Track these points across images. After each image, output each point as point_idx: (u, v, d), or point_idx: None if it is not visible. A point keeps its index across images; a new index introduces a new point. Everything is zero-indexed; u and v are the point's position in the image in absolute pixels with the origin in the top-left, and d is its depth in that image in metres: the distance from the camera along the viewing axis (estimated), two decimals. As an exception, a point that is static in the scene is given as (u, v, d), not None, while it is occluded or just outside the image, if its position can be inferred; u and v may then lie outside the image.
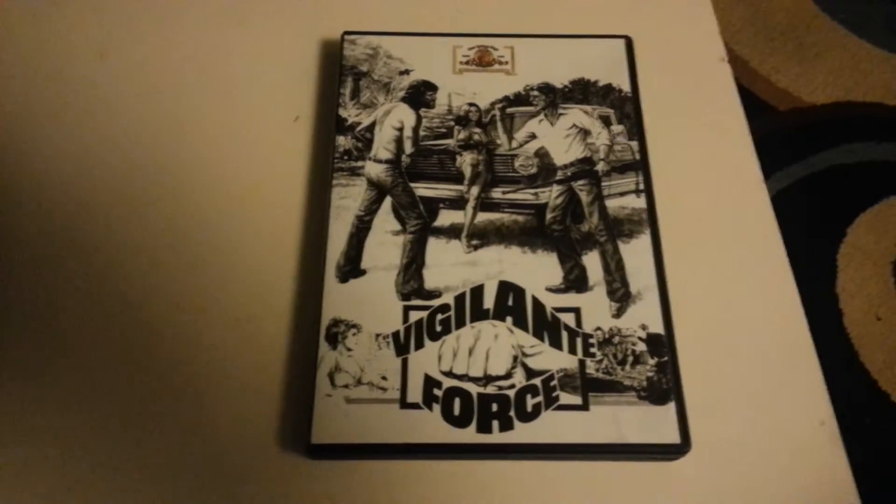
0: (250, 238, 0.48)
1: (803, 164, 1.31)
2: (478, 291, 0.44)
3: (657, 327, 0.43)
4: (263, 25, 0.55)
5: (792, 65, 1.41)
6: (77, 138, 0.50)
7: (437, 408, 0.41)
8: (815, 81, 1.39)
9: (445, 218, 0.47)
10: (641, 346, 0.43)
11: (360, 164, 0.48)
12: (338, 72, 0.51)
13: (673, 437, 0.41)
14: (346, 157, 0.48)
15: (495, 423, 0.41)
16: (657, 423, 0.41)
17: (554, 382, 0.42)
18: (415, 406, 0.41)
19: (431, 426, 0.41)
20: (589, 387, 0.42)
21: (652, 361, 0.42)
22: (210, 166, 0.50)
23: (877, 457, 1.10)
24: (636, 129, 0.50)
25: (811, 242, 1.25)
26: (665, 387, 0.42)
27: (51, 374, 0.43)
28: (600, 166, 0.48)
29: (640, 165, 0.48)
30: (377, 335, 0.43)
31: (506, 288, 0.44)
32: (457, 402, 0.41)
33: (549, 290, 0.45)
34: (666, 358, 0.42)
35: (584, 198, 0.47)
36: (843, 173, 1.31)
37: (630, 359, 0.43)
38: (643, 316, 0.44)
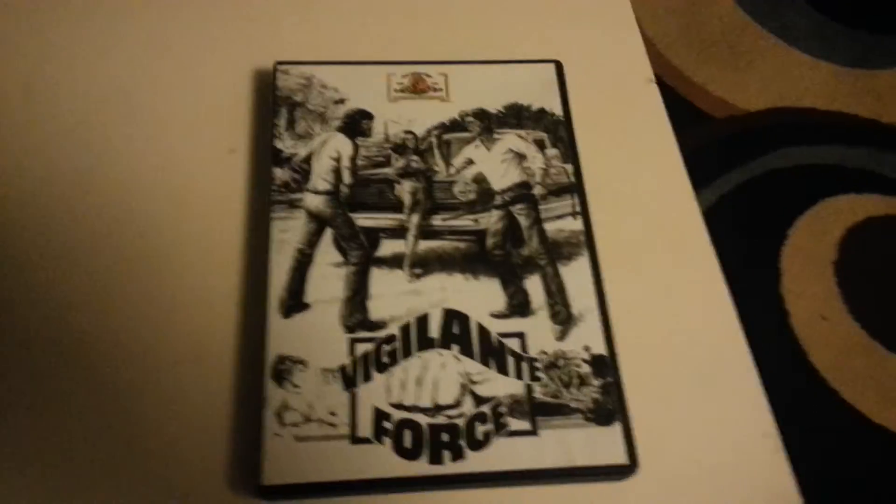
0: (190, 276, 0.47)
1: (742, 170, 1.34)
2: (423, 320, 0.44)
3: (600, 348, 0.44)
4: (194, 55, 0.55)
5: (726, 73, 1.44)
6: (2, 177, 0.49)
7: (387, 441, 0.41)
8: (750, 89, 1.43)
9: (387, 247, 0.47)
10: (586, 368, 0.43)
11: (298, 196, 0.48)
12: (272, 102, 0.51)
13: (621, 458, 0.41)
14: (284, 190, 0.48)
15: (446, 454, 0.41)
16: (605, 445, 0.41)
17: (502, 408, 0.42)
18: (365, 441, 0.41)
19: (383, 460, 0.40)
20: (537, 411, 0.42)
21: (597, 383, 0.43)
22: (144, 202, 0.49)
23: (826, 454, 1.13)
24: (570, 152, 0.50)
25: (754, 245, 1.28)
26: (611, 407, 0.42)
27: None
28: (537, 190, 0.49)
29: (576, 188, 0.49)
30: (324, 370, 0.43)
31: (450, 316, 0.45)
32: (407, 435, 0.41)
33: (494, 315, 0.45)
34: (610, 378, 0.43)
35: (523, 222, 0.48)
36: (781, 177, 1.35)
37: (575, 381, 0.43)
38: (586, 337, 0.44)
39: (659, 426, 0.43)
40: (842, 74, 1.46)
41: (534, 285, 0.46)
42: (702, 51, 1.46)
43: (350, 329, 0.44)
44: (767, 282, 1.25)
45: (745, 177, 1.34)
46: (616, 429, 0.42)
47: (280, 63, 0.52)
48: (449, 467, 0.40)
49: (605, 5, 0.57)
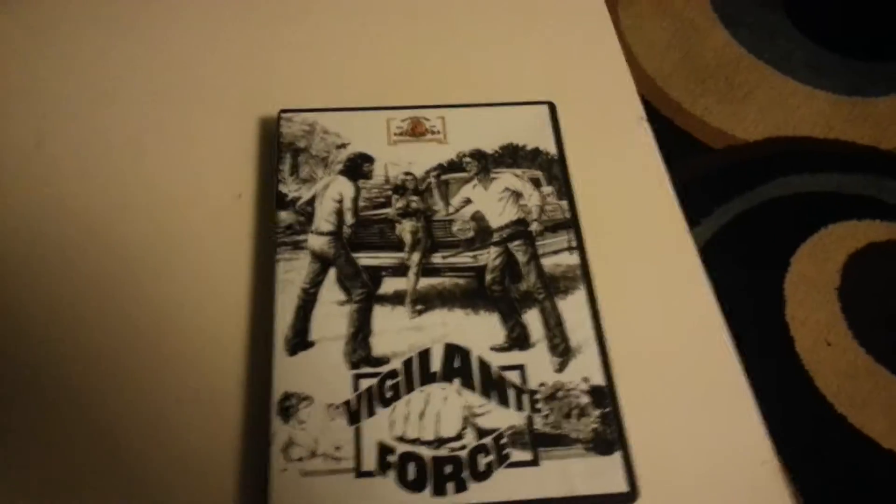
0: (198, 316, 0.48)
1: (742, 199, 1.36)
2: (425, 355, 0.46)
3: (598, 379, 0.45)
4: (200, 105, 0.57)
5: (724, 105, 1.47)
6: (14, 228, 0.51)
7: (391, 474, 0.42)
8: (747, 119, 1.45)
9: (389, 285, 0.48)
10: (585, 399, 0.44)
11: (302, 237, 0.49)
12: (276, 149, 0.53)
13: (621, 486, 0.42)
14: (288, 232, 0.49)
15: (450, 486, 0.42)
16: (605, 474, 0.42)
17: (504, 440, 0.43)
18: (370, 474, 0.42)
19: (388, 493, 0.41)
20: (538, 442, 0.43)
21: (596, 413, 0.44)
22: (154, 247, 0.50)
23: (834, 479, 1.12)
24: (565, 189, 0.52)
25: (757, 273, 1.29)
26: (610, 437, 0.43)
27: None
28: (534, 226, 0.50)
29: (571, 223, 0.51)
30: (329, 405, 0.44)
31: (452, 350, 0.46)
32: (411, 467, 0.42)
33: (494, 349, 0.46)
34: (609, 409, 0.44)
35: (521, 257, 0.49)
36: (782, 205, 1.36)
37: (575, 412, 0.44)
38: (584, 369, 0.45)
39: (658, 455, 0.44)
40: (838, 103, 1.48)
41: (532, 319, 0.47)
42: (699, 83, 1.49)
43: (354, 365, 0.45)
44: (772, 309, 1.26)
45: (746, 206, 1.35)
46: (616, 458, 0.42)
47: (284, 111, 0.54)
48: (452, 499, 0.41)
49: (596, 47, 0.59)
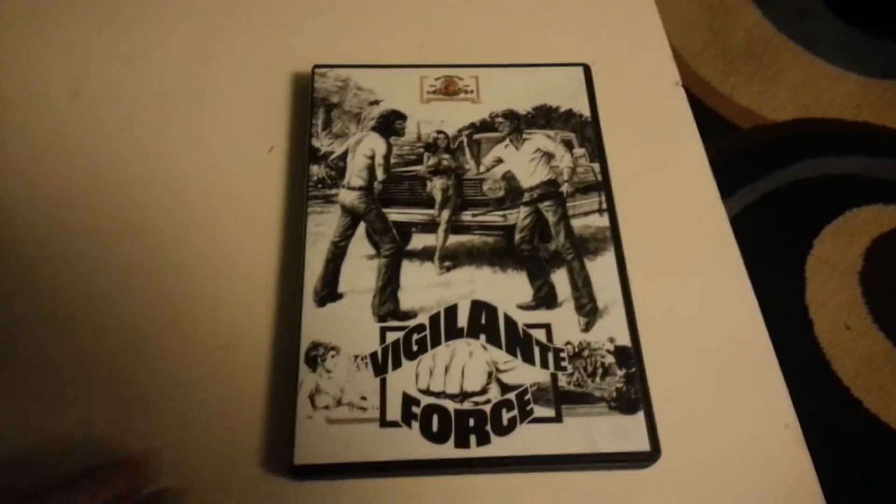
0: (228, 266, 0.49)
1: (768, 180, 1.34)
2: (452, 311, 0.46)
3: (624, 340, 0.45)
4: (236, 61, 0.57)
5: (752, 84, 1.45)
6: (52, 176, 0.51)
7: (415, 425, 0.42)
8: (776, 99, 1.43)
9: (418, 241, 0.48)
10: (610, 359, 0.45)
11: (333, 191, 0.50)
12: (309, 103, 0.53)
13: (643, 445, 0.42)
14: (320, 186, 0.50)
15: (473, 438, 0.42)
16: (628, 432, 0.42)
17: (528, 396, 0.43)
18: (394, 424, 0.42)
19: (411, 443, 0.42)
20: (561, 399, 0.43)
21: (620, 373, 0.44)
22: (187, 199, 0.51)
23: (851, 463, 1.12)
24: (597, 152, 0.52)
25: (779, 254, 1.28)
26: (634, 397, 0.43)
27: (28, 399, 0.44)
28: (564, 188, 0.50)
29: (602, 186, 0.51)
30: (355, 356, 0.44)
31: (478, 307, 0.46)
32: (435, 419, 0.43)
33: (520, 307, 0.46)
34: (634, 369, 0.44)
35: (551, 218, 0.49)
36: (807, 187, 1.35)
37: (599, 371, 0.44)
38: (610, 329, 0.45)
39: (681, 416, 0.44)
40: (868, 85, 1.46)
41: (560, 279, 0.47)
42: (728, 62, 1.47)
43: (381, 318, 0.46)
44: (792, 291, 1.25)
45: (771, 186, 1.34)
46: (639, 417, 0.43)
47: (317, 66, 0.54)
48: (475, 451, 0.42)
49: (633, 11, 0.58)
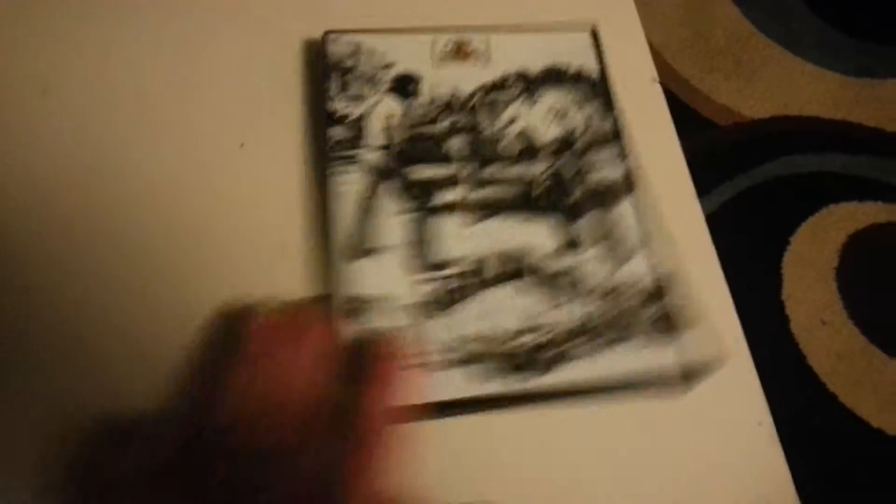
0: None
1: (745, 177, 1.35)
2: (481, 261, 0.47)
3: (648, 281, 0.47)
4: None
5: (731, 82, 1.46)
6: (28, 173, 0.50)
7: (458, 370, 0.43)
8: (754, 97, 1.44)
9: (441, 197, 0.49)
10: (638, 299, 0.46)
11: (353, 152, 0.49)
12: (322, 69, 0.52)
13: (674, 371, 0.44)
14: (339, 147, 0.50)
15: (514, 378, 0.43)
16: (661, 360, 0.44)
17: (564, 337, 0.45)
18: (433, 369, 0.43)
19: (451, 386, 0.43)
20: (595, 337, 0.45)
21: (651, 309, 0.46)
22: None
23: (826, 458, 1.14)
24: (608, 107, 0.53)
25: (756, 251, 1.29)
26: (668, 328, 0.45)
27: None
28: (579, 143, 0.51)
29: (617, 136, 0.52)
30: (392, 308, 0.45)
31: (508, 256, 0.47)
32: (475, 364, 0.44)
33: (547, 256, 0.47)
34: (666, 300, 0.46)
35: (568, 172, 0.50)
36: (784, 184, 1.36)
37: (630, 309, 0.46)
38: (635, 271, 0.47)
39: (652, 414, 0.44)
40: (846, 84, 1.47)
41: (584, 227, 0.48)
42: (707, 60, 1.48)
43: (415, 271, 0.46)
44: (769, 287, 1.26)
45: (748, 183, 1.35)
46: (670, 348, 0.45)
47: (329, 32, 0.54)
48: (517, 388, 0.43)
49: (610, 7, 0.58)
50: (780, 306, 1.24)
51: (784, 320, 1.23)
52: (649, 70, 0.55)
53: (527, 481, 0.44)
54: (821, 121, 1.43)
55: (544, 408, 0.44)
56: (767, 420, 0.45)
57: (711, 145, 1.39)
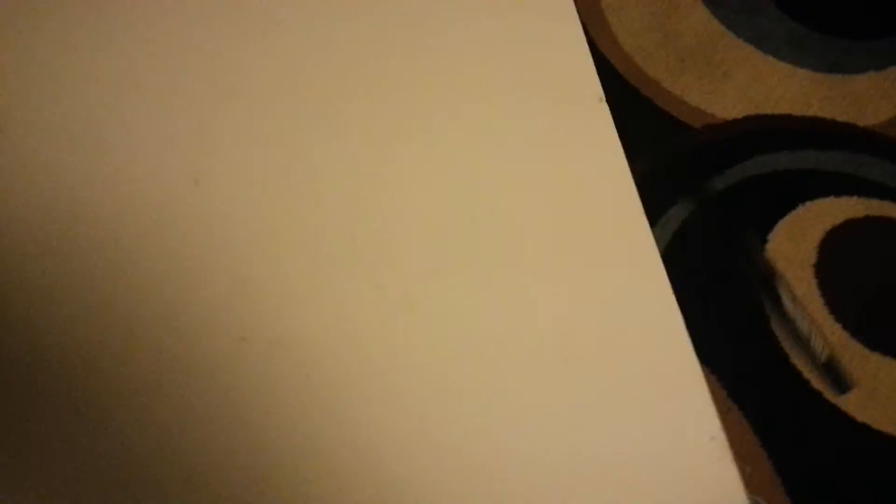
0: None
1: (720, 177, 1.36)
2: None
3: None
4: None
5: (703, 83, 1.47)
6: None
7: None
8: (726, 98, 1.45)
9: None
10: None
11: None
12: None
13: None
14: None
15: None
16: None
17: None
18: None
19: None
20: None
21: None
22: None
23: (813, 454, 1.14)
24: None
25: (734, 251, 1.30)
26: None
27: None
28: None
29: None
30: None
31: None
32: None
33: None
34: None
35: None
36: (759, 183, 1.37)
37: None
38: None
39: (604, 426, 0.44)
40: (817, 80, 1.48)
41: None
42: (678, 62, 1.49)
43: None
44: (748, 287, 1.27)
45: (724, 184, 1.36)
46: None
47: None
48: None
49: (552, 22, 0.58)
50: (760, 304, 1.24)
51: (764, 318, 1.23)
52: (595, 89, 0.56)
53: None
54: (793, 118, 1.43)
55: None
56: (720, 434, 0.45)
57: (686, 147, 1.40)
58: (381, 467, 0.42)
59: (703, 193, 1.33)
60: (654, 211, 1.30)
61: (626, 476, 0.44)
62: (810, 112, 1.44)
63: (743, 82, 1.47)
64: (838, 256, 1.30)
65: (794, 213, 1.33)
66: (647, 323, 0.47)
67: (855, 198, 1.35)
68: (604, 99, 0.55)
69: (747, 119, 1.43)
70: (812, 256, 1.30)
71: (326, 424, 0.43)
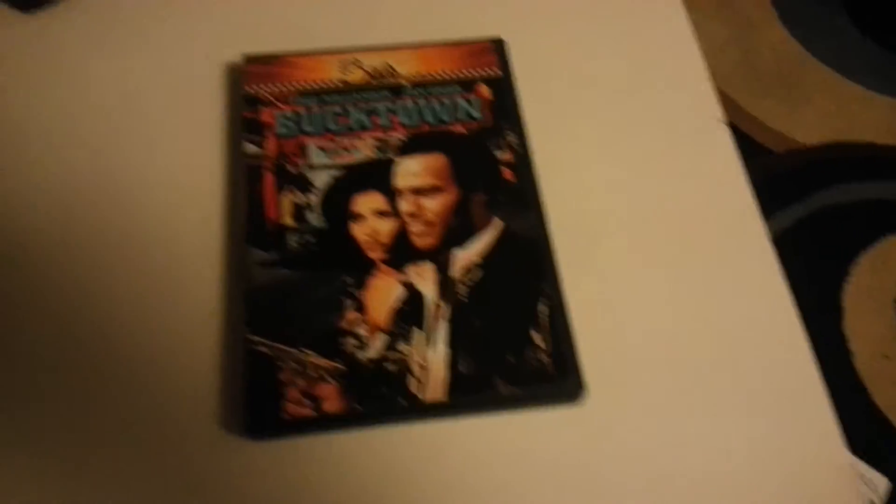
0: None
1: (802, 205, 1.33)
2: None
3: None
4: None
5: (784, 107, 1.44)
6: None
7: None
8: (808, 123, 1.42)
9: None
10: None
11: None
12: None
13: None
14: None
15: None
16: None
17: None
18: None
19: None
20: None
21: None
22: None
23: (890, 494, 1.10)
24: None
25: (815, 282, 1.26)
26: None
27: None
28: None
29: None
30: None
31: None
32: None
33: None
34: None
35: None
36: (841, 213, 1.33)
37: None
38: None
39: (729, 451, 0.43)
40: (902, 109, 1.44)
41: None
42: (758, 84, 1.46)
43: None
44: (829, 321, 1.23)
45: (805, 212, 1.32)
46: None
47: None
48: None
49: (670, 39, 0.57)
50: (842, 339, 1.21)
51: (847, 354, 1.19)
52: (714, 110, 0.55)
53: None
54: (876, 147, 1.40)
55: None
56: (847, 461, 0.43)
57: (767, 172, 1.37)
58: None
59: (780, 222, 1.30)
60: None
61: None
62: (894, 141, 1.40)
63: (824, 107, 1.44)
64: (922, 292, 1.25)
65: (876, 245, 1.29)
66: (774, 344, 0.46)
67: (941, 231, 1.30)
68: (723, 119, 0.54)
69: (829, 146, 1.40)
70: (894, 291, 1.26)
71: None
